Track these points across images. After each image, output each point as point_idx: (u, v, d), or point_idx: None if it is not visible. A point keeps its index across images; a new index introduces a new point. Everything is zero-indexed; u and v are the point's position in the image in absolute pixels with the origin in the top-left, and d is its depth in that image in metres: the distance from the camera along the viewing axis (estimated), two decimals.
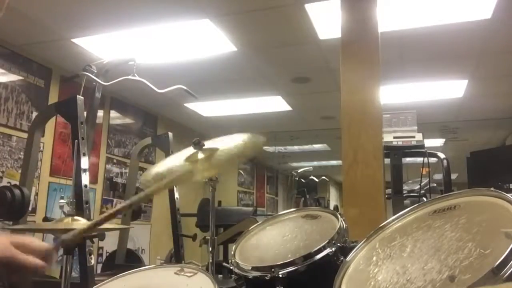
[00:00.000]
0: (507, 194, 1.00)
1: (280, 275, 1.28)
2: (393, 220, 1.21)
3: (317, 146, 8.21)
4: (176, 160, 1.75)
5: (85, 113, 2.82)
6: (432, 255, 0.96)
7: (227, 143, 1.69)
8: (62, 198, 1.72)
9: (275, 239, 1.52)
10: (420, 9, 3.16)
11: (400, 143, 2.79)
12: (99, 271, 4.18)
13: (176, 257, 3.65)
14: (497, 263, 0.80)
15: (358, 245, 1.19)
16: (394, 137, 2.81)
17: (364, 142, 2.35)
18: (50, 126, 4.13)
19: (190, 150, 1.71)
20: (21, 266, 0.89)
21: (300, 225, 1.54)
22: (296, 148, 8.28)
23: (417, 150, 2.87)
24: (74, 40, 3.72)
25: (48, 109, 3.42)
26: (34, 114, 3.96)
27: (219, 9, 3.18)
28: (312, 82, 4.71)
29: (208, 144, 1.69)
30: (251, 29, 3.49)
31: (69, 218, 1.53)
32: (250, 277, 1.36)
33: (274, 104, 5.50)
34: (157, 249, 5.64)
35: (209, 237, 1.69)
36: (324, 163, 9.62)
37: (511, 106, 5.36)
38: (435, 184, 4.14)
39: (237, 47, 3.80)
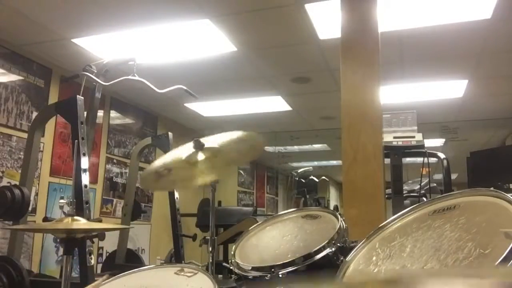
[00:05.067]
0: (507, 194, 1.00)
1: (280, 275, 1.29)
2: (393, 220, 1.21)
3: (317, 146, 8.21)
4: (175, 160, 1.76)
5: (85, 113, 2.82)
6: (431, 255, 0.96)
7: (226, 144, 1.69)
8: (62, 198, 1.71)
9: (275, 239, 1.52)
10: (420, 9, 3.16)
11: (400, 143, 2.79)
12: (99, 271, 4.18)
13: (176, 257, 3.65)
14: (497, 263, 0.80)
15: (358, 245, 1.19)
16: (394, 137, 2.81)
17: (364, 142, 2.35)
18: (50, 126, 4.13)
19: (188, 149, 1.72)
20: None
21: (300, 225, 1.54)
22: (296, 148, 8.28)
23: (417, 150, 2.87)
24: (74, 40, 3.72)
25: (48, 109, 3.42)
26: (34, 114, 3.96)
27: (219, 9, 3.18)
28: (312, 82, 4.71)
29: (207, 142, 1.69)
30: (251, 29, 3.49)
31: (69, 218, 1.52)
32: (250, 277, 1.36)
33: (274, 104, 5.50)
34: (157, 249, 5.65)
35: (209, 237, 1.69)
36: (324, 163, 9.61)
37: (511, 106, 5.36)
38: (435, 184, 4.14)
39: (237, 47, 3.80)
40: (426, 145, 2.84)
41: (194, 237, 3.73)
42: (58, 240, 4.07)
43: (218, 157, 1.66)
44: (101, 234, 2.41)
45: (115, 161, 5.14)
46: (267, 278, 1.30)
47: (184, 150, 1.73)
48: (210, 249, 1.66)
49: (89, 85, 3.20)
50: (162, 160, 1.78)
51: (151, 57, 4.00)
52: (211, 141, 1.71)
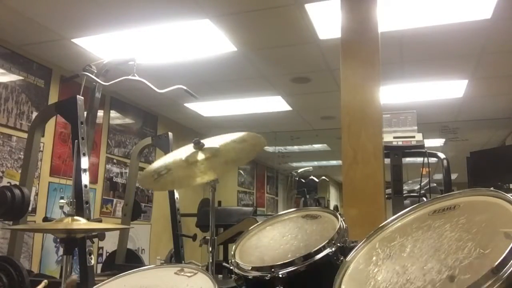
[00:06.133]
0: (507, 194, 1.00)
1: (280, 275, 1.28)
2: (393, 220, 1.21)
3: (317, 146, 8.21)
4: (175, 161, 1.76)
5: (85, 113, 2.82)
6: (431, 255, 0.96)
7: (226, 144, 1.69)
8: (62, 198, 1.71)
9: (275, 239, 1.52)
10: (420, 9, 3.16)
11: (400, 143, 2.79)
12: (99, 271, 4.18)
13: (176, 257, 3.65)
14: (497, 263, 0.80)
15: (358, 245, 1.19)
16: (394, 137, 2.81)
17: (364, 142, 2.35)
18: (50, 126, 4.13)
19: (188, 150, 1.72)
20: None
21: (300, 225, 1.54)
22: (296, 148, 8.28)
23: (417, 150, 2.87)
24: (74, 40, 3.72)
25: (48, 109, 3.42)
26: (34, 114, 3.96)
27: (219, 9, 3.18)
28: (312, 82, 4.71)
29: (208, 142, 1.69)
30: (251, 29, 3.50)
31: (69, 218, 1.52)
32: (250, 277, 1.36)
33: (274, 104, 5.51)
34: (157, 249, 5.65)
35: (209, 237, 1.69)
36: (324, 163, 9.62)
37: (511, 106, 5.36)
38: (435, 184, 4.14)
39: (237, 47, 3.80)
40: (426, 145, 2.84)
41: (194, 237, 3.72)
42: (58, 240, 4.07)
43: (217, 157, 1.66)
44: (101, 234, 2.41)
45: (115, 161, 5.14)
46: (267, 278, 1.30)
47: (184, 151, 1.74)
48: (210, 249, 1.66)
49: (89, 85, 3.20)
50: (162, 160, 1.79)
51: (151, 57, 4.00)
52: (212, 141, 1.71)
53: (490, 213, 0.99)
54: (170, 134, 3.79)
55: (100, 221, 2.84)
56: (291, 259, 1.31)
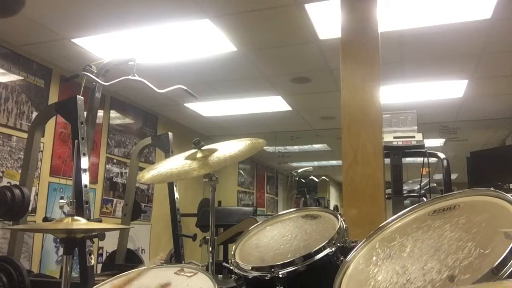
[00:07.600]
0: (507, 194, 1.00)
1: (280, 275, 1.29)
2: (393, 220, 1.21)
3: (317, 146, 8.21)
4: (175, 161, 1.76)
5: (85, 113, 2.82)
6: (431, 255, 0.96)
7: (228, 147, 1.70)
8: (62, 198, 1.72)
9: (275, 239, 1.52)
10: (420, 9, 3.16)
11: (400, 143, 2.79)
12: (99, 271, 4.18)
13: (176, 257, 3.65)
14: (497, 263, 0.80)
15: (358, 245, 1.19)
16: (394, 137, 2.81)
17: (364, 142, 2.35)
18: (50, 126, 4.13)
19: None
20: None
21: (300, 225, 1.54)
22: (296, 148, 8.28)
23: (417, 150, 2.87)
24: (74, 40, 3.72)
25: (48, 109, 3.42)
26: (34, 114, 3.96)
27: (219, 9, 3.18)
28: (312, 82, 4.71)
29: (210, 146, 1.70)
30: (251, 29, 3.50)
31: (69, 218, 1.52)
32: (250, 277, 1.36)
33: (274, 104, 5.51)
34: (157, 249, 5.65)
35: (209, 237, 1.69)
36: (324, 163, 9.62)
37: (511, 106, 5.36)
38: (435, 184, 4.14)
39: (237, 47, 3.80)
40: (426, 145, 2.84)
41: (194, 237, 3.72)
42: (58, 240, 4.07)
43: (215, 153, 1.66)
44: (101, 234, 2.41)
45: (115, 161, 5.14)
46: (267, 278, 1.30)
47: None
48: (210, 249, 1.66)
49: (89, 85, 3.20)
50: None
51: (151, 57, 4.00)
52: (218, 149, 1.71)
53: (490, 213, 0.99)
54: (170, 134, 3.79)
55: (100, 221, 2.85)
56: (291, 259, 1.31)
